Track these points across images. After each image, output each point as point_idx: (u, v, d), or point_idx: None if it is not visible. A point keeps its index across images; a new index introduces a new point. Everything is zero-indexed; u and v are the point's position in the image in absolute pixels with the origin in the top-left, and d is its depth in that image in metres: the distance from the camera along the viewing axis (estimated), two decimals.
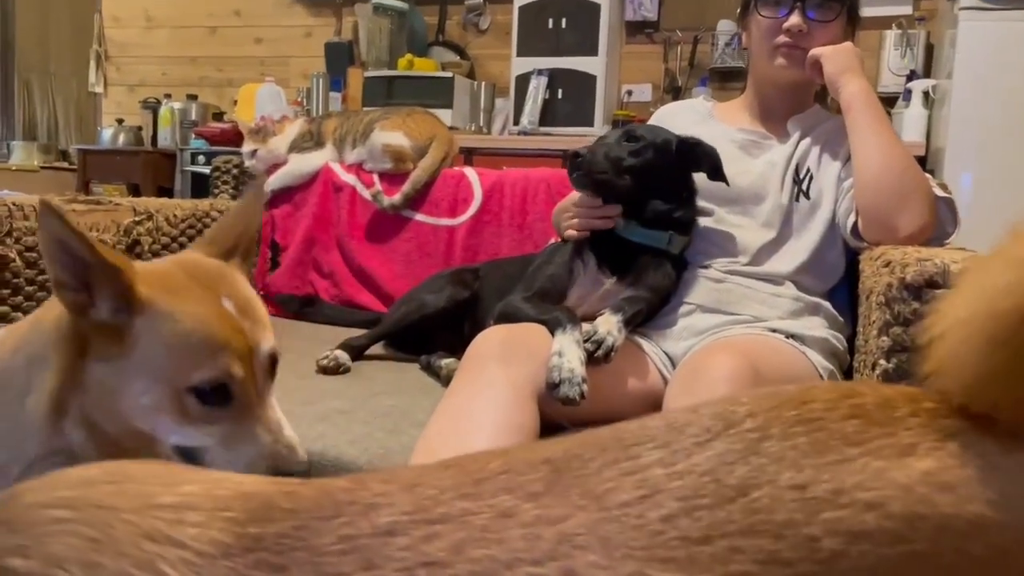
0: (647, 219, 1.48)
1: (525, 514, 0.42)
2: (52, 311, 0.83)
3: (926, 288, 0.96)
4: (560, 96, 3.68)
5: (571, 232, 1.52)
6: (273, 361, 0.87)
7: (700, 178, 1.54)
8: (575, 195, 1.56)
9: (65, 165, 5.15)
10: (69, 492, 0.43)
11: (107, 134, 4.76)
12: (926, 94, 3.23)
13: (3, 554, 0.40)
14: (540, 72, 3.67)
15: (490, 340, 1.31)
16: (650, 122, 1.70)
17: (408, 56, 4.01)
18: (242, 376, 0.80)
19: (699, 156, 1.49)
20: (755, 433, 0.46)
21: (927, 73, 3.45)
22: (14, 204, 1.57)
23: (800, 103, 1.62)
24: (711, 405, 0.49)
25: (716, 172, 1.49)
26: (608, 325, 1.33)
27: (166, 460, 0.78)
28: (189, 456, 0.81)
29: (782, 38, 1.52)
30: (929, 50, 3.50)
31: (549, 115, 3.68)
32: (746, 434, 0.46)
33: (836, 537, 0.42)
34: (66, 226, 0.76)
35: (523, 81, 3.72)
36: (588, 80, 3.64)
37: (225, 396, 0.80)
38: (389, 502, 0.43)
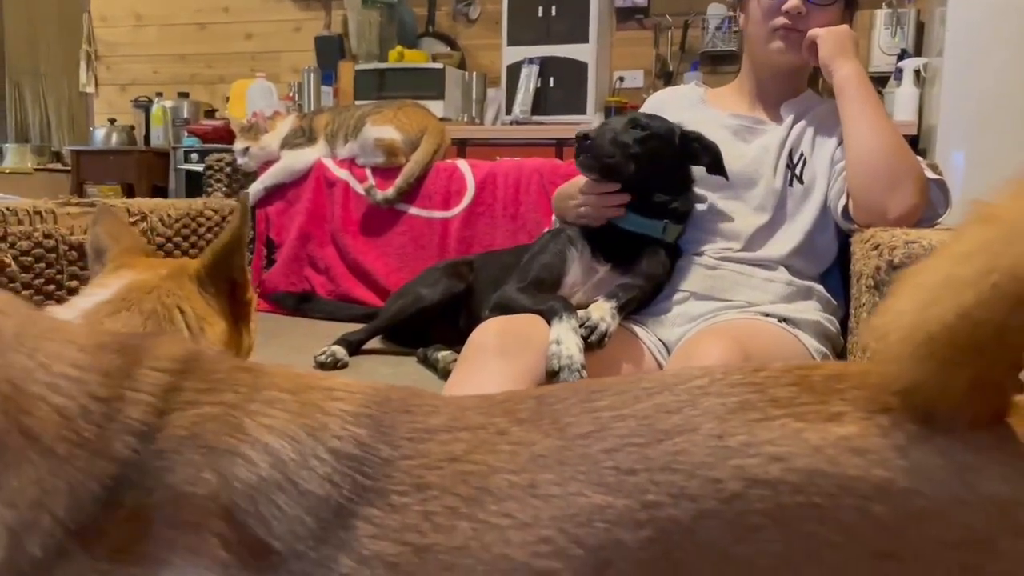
0: (643, 208, 1.49)
1: (513, 435, 0.52)
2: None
3: None
4: (552, 84, 3.67)
5: (586, 221, 1.52)
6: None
7: (697, 168, 1.54)
8: (579, 180, 1.56)
9: (59, 166, 5.14)
10: (290, 383, 0.55)
11: (100, 134, 4.75)
12: (917, 73, 3.23)
13: (245, 413, 0.51)
14: (531, 61, 3.66)
15: (488, 332, 1.32)
16: (642, 109, 1.70)
17: (398, 48, 4.00)
18: None
19: (700, 150, 1.50)
20: (699, 390, 0.52)
21: (918, 52, 3.44)
22: (8, 209, 1.58)
23: (794, 87, 1.63)
24: (680, 368, 0.56)
25: (716, 166, 1.50)
26: (601, 311, 1.34)
27: None
28: None
29: (780, 20, 1.51)
30: (920, 28, 3.50)
31: (541, 104, 3.67)
32: (692, 390, 0.52)
33: (739, 481, 0.47)
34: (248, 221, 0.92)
35: (514, 70, 3.71)
36: (579, 68, 3.64)
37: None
38: (439, 411, 0.55)
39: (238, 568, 0.47)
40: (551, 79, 3.67)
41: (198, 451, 0.49)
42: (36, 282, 1.60)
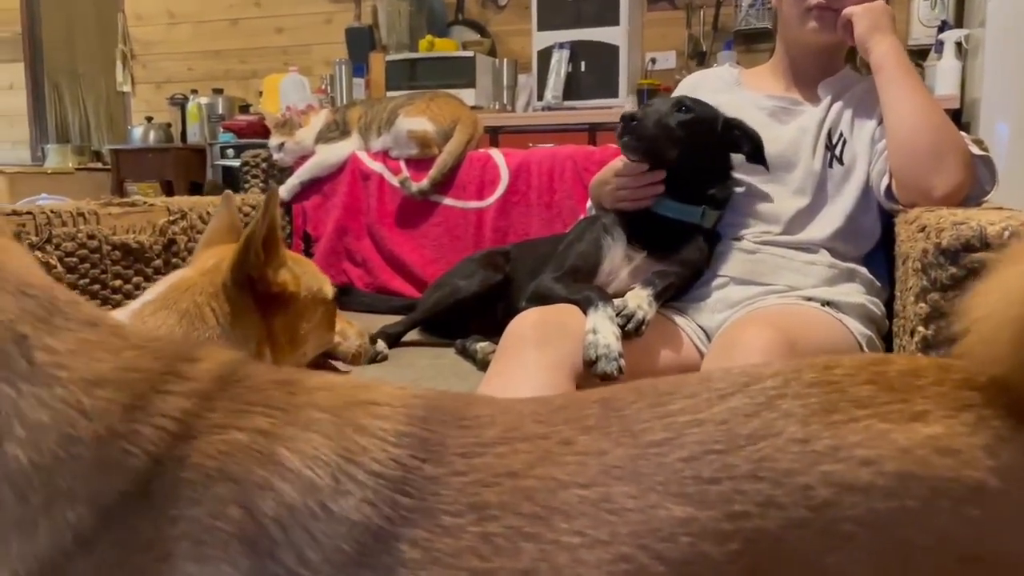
0: (681, 193, 1.47)
1: (579, 444, 0.50)
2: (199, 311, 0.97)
3: (963, 252, 0.94)
4: (583, 69, 3.64)
5: (626, 205, 1.50)
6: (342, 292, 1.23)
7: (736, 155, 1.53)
8: (614, 165, 1.54)
9: (99, 165, 5.23)
10: (330, 400, 0.53)
11: (137, 132, 4.82)
12: (959, 45, 3.15)
13: (277, 440, 0.49)
14: (562, 45, 3.63)
15: (525, 324, 1.32)
16: (676, 92, 1.68)
17: (428, 37, 4.00)
18: None
19: (741, 138, 1.48)
20: (774, 391, 0.50)
21: (959, 23, 3.35)
22: (52, 212, 1.60)
23: (831, 66, 1.59)
24: (746, 366, 0.54)
25: (757, 155, 1.48)
26: (638, 299, 1.33)
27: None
28: (330, 357, 1.12)
29: None
30: None
31: (573, 89, 3.64)
32: (767, 391, 0.50)
33: (830, 488, 0.45)
34: (276, 215, 0.98)
35: (545, 56, 3.68)
36: (611, 51, 3.60)
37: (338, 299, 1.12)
38: (494, 422, 0.52)
39: None
40: (582, 63, 3.64)
41: (225, 484, 0.47)
42: (81, 283, 1.63)
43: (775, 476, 0.46)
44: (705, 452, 0.48)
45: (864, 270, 1.48)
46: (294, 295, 1.01)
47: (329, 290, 1.09)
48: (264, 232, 0.95)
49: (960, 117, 3.06)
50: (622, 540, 0.45)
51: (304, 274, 1.05)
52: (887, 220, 1.51)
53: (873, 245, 1.53)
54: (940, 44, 3.19)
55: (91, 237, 1.65)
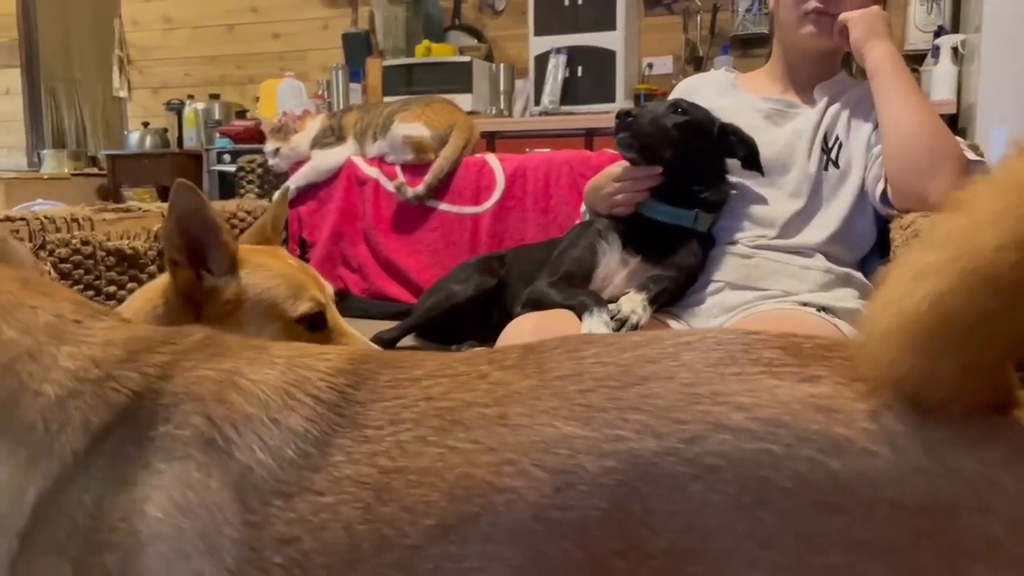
0: (675, 197, 1.47)
1: (492, 376, 0.58)
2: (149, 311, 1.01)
3: None
4: (580, 74, 3.65)
5: (621, 210, 1.50)
6: (337, 297, 1.14)
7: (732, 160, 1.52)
8: (610, 171, 1.54)
9: (95, 171, 5.22)
10: (287, 351, 0.64)
11: (134, 138, 4.81)
12: (955, 50, 3.15)
13: (237, 375, 0.61)
14: (558, 51, 3.63)
15: (520, 329, 1.32)
16: (672, 96, 1.68)
17: (425, 42, 4.00)
18: (326, 305, 1.04)
19: (736, 143, 1.48)
20: (685, 345, 0.55)
21: (955, 28, 3.36)
22: (46, 217, 1.60)
23: (827, 70, 1.60)
24: (681, 329, 0.57)
25: (752, 161, 1.47)
26: (632, 304, 1.33)
27: None
28: None
29: (812, 3, 1.49)
30: (956, 4, 3.41)
31: (570, 94, 3.65)
32: (679, 344, 0.55)
33: (703, 425, 0.50)
34: (206, 208, 0.95)
35: (542, 61, 3.69)
36: (607, 56, 3.60)
37: (321, 323, 1.03)
38: (425, 365, 0.61)
39: (220, 483, 0.56)
40: (579, 68, 3.65)
41: (191, 402, 0.59)
42: (75, 289, 1.63)
43: (656, 410, 0.51)
44: (601, 386, 0.54)
45: (859, 275, 1.48)
46: (233, 305, 0.98)
47: (295, 309, 1.00)
48: (178, 241, 0.96)
49: (956, 122, 3.06)
50: (509, 448, 0.53)
51: (254, 285, 0.98)
52: (883, 224, 1.51)
53: (868, 250, 1.53)
54: (936, 49, 3.19)
55: (85, 243, 1.65)
